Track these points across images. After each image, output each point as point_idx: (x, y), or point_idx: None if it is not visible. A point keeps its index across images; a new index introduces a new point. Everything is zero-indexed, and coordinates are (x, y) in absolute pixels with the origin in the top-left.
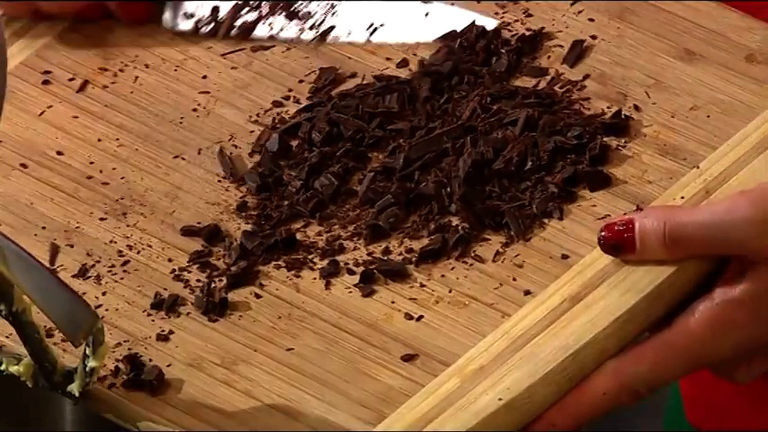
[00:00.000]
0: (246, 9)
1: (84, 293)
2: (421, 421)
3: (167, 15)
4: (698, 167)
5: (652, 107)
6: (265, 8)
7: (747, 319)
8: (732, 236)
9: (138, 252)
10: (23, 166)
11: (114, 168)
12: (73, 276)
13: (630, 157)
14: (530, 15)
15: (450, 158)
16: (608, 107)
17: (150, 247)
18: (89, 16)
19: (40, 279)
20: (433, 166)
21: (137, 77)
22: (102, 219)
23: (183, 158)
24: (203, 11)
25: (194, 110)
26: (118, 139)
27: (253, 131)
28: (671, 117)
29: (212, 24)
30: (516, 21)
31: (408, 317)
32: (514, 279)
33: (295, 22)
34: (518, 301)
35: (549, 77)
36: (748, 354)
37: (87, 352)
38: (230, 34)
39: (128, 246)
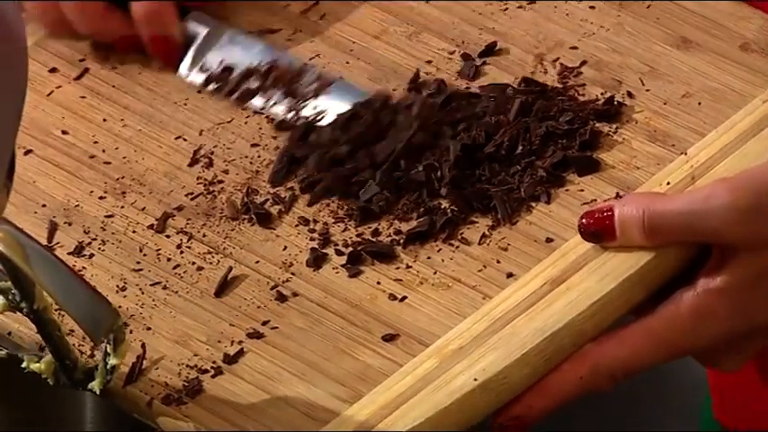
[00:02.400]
0: (253, 77)
1: (82, 270)
2: (396, 401)
3: (185, 64)
4: (685, 154)
5: (645, 94)
6: (270, 80)
7: (728, 309)
8: (710, 223)
9: (134, 231)
10: (28, 145)
11: (117, 148)
12: (69, 254)
13: (620, 142)
14: (533, 1)
15: (442, 142)
16: (602, 93)
17: (145, 225)
18: (120, 47)
19: (62, 277)
20: (427, 150)
21: (144, 59)
22: (101, 197)
23: (185, 139)
24: (217, 67)
25: (199, 92)
26: (122, 120)
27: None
28: (663, 104)
29: (220, 84)
30: (519, 7)
31: (392, 297)
32: (498, 262)
33: (288, 100)
34: (500, 283)
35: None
36: (730, 343)
37: (108, 350)
38: (231, 97)
39: (124, 224)
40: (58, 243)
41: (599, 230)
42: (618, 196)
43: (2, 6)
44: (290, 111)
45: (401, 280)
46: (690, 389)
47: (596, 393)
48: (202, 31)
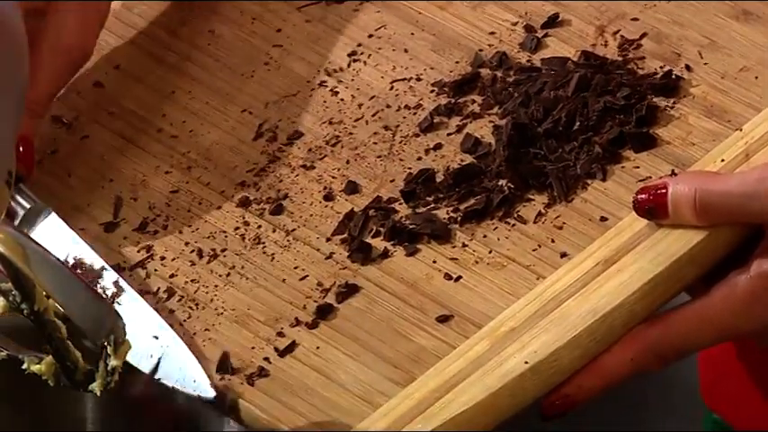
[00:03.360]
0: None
1: (149, 247)
2: (447, 384)
3: None
4: (740, 130)
5: (703, 68)
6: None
7: None
8: (761, 205)
9: (200, 204)
10: (97, 117)
11: (184, 121)
12: (134, 230)
13: (677, 118)
14: None
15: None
16: (661, 67)
17: (209, 201)
18: None
19: (62, 278)
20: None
21: (213, 30)
22: (167, 172)
23: (251, 112)
24: None
25: (266, 63)
26: (190, 92)
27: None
28: (720, 78)
29: None
30: None
31: (448, 277)
32: (553, 241)
33: None
34: (554, 263)
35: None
36: None
37: (108, 351)
38: None
39: (189, 199)
40: (123, 219)
41: (653, 207)
42: (673, 173)
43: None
44: None
45: (457, 259)
46: (694, 390)
47: (645, 374)
48: (23, 208)
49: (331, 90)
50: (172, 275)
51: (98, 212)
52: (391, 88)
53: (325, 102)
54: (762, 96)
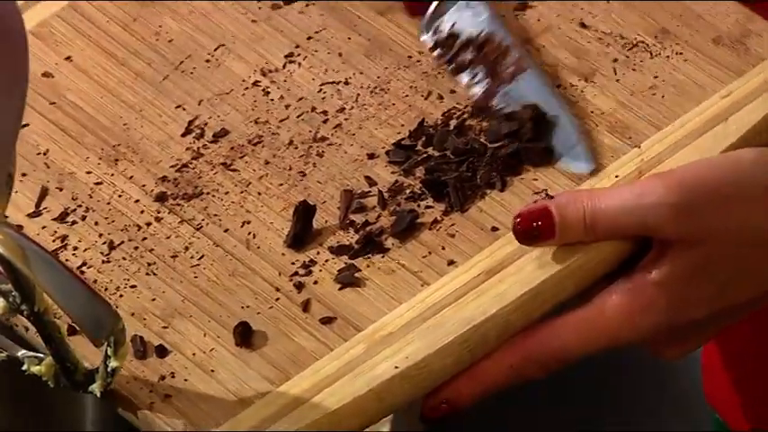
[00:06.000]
0: (470, 48)
1: (64, 237)
2: (319, 384)
3: (424, 20)
4: (639, 147)
5: (616, 84)
6: (481, 54)
7: (664, 302)
8: (644, 219)
9: (120, 196)
10: (39, 107)
11: (121, 116)
12: (53, 219)
13: (582, 133)
14: None
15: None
16: (578, 80)
17: (129, 195)
18: None
19: (62, 279)
20: None
21: (162, 26)
22: (96, 164)
23: (184, 109)
24: (445, 32)
25: (207, 61)
26: (132, 87)
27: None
28: (630, 95)
29: (444, 50)
30: None
31: (337, 280)
32: (443, 248)
33: (488, 81)
34: (441, 270)
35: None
36: (671, 334)
37: (109, 352)
38: (449, 66)
39: (110, 191)
40: (45, 208)
41: (538, 231)
42: (548, 196)
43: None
44: (485, 95)
45: (349, 262)
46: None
47: (528, 383)
48: None
49: (263, 90)
50: (81, 265)
51: (24, 201)
52: (319, 91)
53: (255, 101)
54: (664, 115)
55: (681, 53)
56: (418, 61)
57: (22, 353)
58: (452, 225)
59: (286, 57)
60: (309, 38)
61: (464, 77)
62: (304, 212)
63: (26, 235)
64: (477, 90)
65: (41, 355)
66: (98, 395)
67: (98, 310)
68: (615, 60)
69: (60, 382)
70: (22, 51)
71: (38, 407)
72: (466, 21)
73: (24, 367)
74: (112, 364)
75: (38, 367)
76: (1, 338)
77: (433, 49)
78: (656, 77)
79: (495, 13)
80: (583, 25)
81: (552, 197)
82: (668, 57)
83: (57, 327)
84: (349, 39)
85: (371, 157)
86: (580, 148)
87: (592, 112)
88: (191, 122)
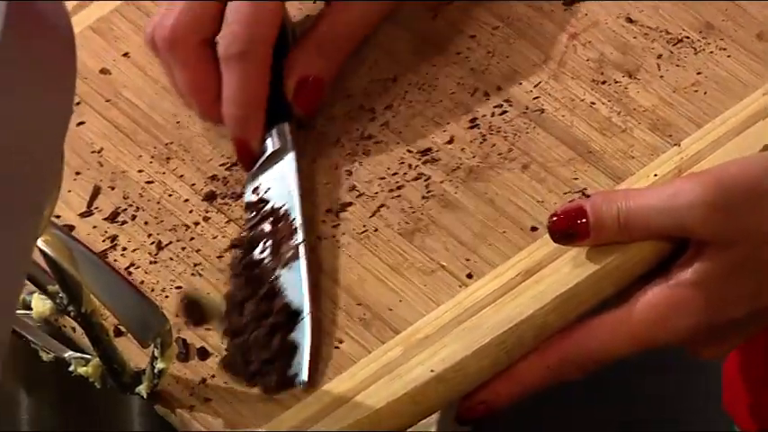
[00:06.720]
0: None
1: (114, 237)
2: (356, 388)
3: (249, 175)
4: (679, 145)
5: (659, 80)
6: (272, 230)
7: (701, 302)
8: (681, 220)
9: (170, 196)
10: (96, 105)
11: (174, 114)
12: (104, 219)
13: (623, 131)
14: None
15: None
16: (622, 76)
17: (179, 194)
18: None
19: (110, 281)
20: None
21: None
22: (148, 162)
23: None
24: (256, 195)
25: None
26: None
27: None
28: (672, 92)
29: (252, 213)
30: None
31: (379, 280)
32: (483, 249)
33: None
34: (479, 272)
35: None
36: (709, 334)
37: (156, 353)
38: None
39: (161, 191)
40: (97, 208)
41: (572, 231)
42: (584, 195)
43: (44, 6)
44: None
45: (391, 263)
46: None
47: (565, 383)
48: (271, 147)
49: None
50: (129, 266)
51: (76, 200)
52: (367, 88)
53: None
54: (705, 112)
55: (724, 48)
56: (466, 57)
57: (68, 354)
58: (492, 224)
59: None
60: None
61: (257, 250)
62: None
63: (74, 236)
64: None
65: (88, 357)
66: (144, 396)
67: (145, 311)
68: (659, 56)
69: (107, 384)
70: (68, 48)
71: (84, 408)
72: (278, 188)
73: (71, 368)
74: (159, 365)
75: (85, 368)
76: (48, 339)
77: (246, 208)
78: (698, 73)
79: (299, 185)
80: (629, 20)
81: (589, 196)
82: (711, 52)
83: (104, 328)
84: (397, 35)
85: (419, 154)
86: (302, 359)
87: (634, 109)
88: None
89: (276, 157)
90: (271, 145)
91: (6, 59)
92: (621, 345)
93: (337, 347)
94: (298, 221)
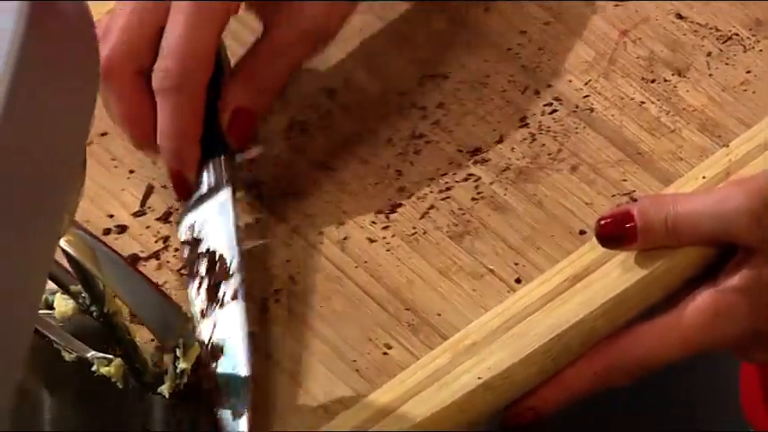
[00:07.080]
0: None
1: (166, 237)
2: (404, 396)
3: (185, 207)
4: (727, 146)
5: (708, 79)
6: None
7: (748, 308)
8: (727, 226)
9: None
10: None
11: None
12: (156, 219)
13: (672, 131)
14: None
15: None
16: (672, 75)
17: None
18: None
19: (132, 281)
20: None
21: None
22: None
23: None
24: (191, 233)
25: None
26: None
27: None
28: (721, 91)
29: (189, 247)
30: None
31: (428, 284)
32: (532, 253)
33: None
34: (528, 276)
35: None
36: (757, 339)
37: (178, 353)
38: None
39: None
40: (150, 207)
41: (620, 235)
42: (632, 199)
43: (66, 6)
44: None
45: (440, 267)
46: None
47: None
48: (206, 184)
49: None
50: (181, 268)
51: (130, 199)
52: (419, 85)
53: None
54: (755, 113)
55: None
56: (517, 54)
57: (91, 354)
58: (540, 228)
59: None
60: None
61: (193, 290)
62: None
63: (96, 236)
64: (197, 304)
65: (111, 357)
66: (167, 396)
67: (168, 312)
68: (709, 54)
69: (129, 384)
70: (91, 49)
71: (107, 408)
72: (215, 227)
73: (94, 368)
74: (182, 365)
75: (107, 368)
76: (70, 339)
77: (183, 243)
78: (748, 72)
79: (235, 226)
80: (679, 16)
81: (636, 200)
82: (761, 50)
83: (127, 329)
84: (450, 29)
85: (468, 154)
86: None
87: (683, 109)
88: (291, 119)
89: (212, 192)
90: (206, 179)
91: (28, 60)
92: (671, 350)
93: (386, 354)
94: (235, 264)
